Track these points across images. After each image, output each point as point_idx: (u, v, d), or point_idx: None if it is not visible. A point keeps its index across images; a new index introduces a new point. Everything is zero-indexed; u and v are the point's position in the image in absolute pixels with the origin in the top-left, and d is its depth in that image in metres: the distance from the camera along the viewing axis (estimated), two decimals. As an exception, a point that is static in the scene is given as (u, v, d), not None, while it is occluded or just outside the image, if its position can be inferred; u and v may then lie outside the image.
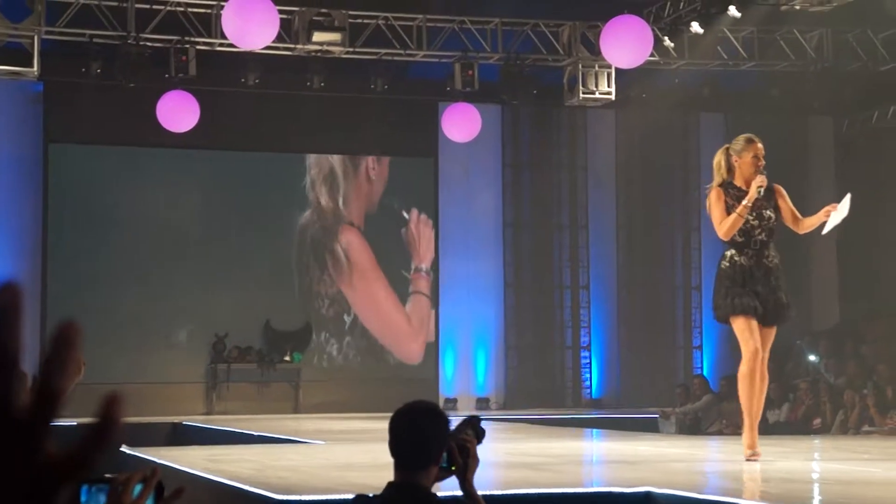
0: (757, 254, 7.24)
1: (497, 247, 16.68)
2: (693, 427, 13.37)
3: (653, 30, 12.75)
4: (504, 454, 9.19)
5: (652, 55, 13.17)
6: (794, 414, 13.20)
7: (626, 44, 12.33)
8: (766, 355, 7.32)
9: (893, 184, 15.26)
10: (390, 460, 3.82)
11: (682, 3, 13.13)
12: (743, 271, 7.21)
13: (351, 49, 13.52)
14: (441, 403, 15.99)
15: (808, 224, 7.52)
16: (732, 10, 12.31)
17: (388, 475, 3.62)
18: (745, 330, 7.20)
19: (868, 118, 16.56)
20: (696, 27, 12.99)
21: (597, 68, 13.98)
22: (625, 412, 14.74)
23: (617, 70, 13.89)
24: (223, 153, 15.80)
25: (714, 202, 7.24)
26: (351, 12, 13.31)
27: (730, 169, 7.24)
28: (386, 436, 3.50)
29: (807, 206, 17.88)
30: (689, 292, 17.07)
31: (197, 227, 15.63)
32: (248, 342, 15.58)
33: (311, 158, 16.14)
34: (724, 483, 6.98)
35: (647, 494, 5.81)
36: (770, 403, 13.69)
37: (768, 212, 7.25)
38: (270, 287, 15.81)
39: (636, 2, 12.54)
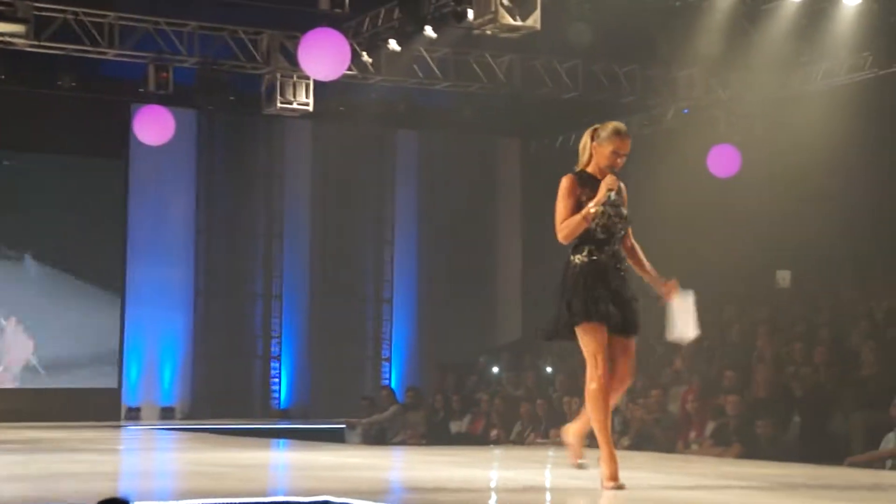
0: (614, 253, 6.29)
1: (189, 253, 16.44)
2: (379, 437, 13.57)
3: (351, 44, 12.88)
4: (186, 464, 9.03)
5: (350, 69, 13.29)
6: (476, 426, 13.63)
7: (323, 56, 12.38)
8: (633, 367, 6.32)
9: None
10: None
11: (380, 20, 13.32)
12: (602, 270, 6.23)
13: (36, 42, 12.93)
14: (123, 413, 15.59)
15: (633, 261, 6.44)
16: (428, 31, 12.60)
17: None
18: (596, 341, 6.17)
19: (553, 142, 17.38)
20: (393, 45, 13.22)
21: (295, 79, 13.97)
22: (313, 422, 14.82)
23: (316, 82, 13.94)
24: None
25: (562, 195, 6.30)
26: (36, 4, 12.73)
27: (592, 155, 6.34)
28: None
29: (495, 223, 18.60)
30: (380, 304, 17.36)
31: None
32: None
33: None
34: (403, 492, 7.09)
35: (325, 503, 5.84)
36: (453, 415, 14.14)
37: (625, 209, 6.33)
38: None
39: (336, 15, 12.61)
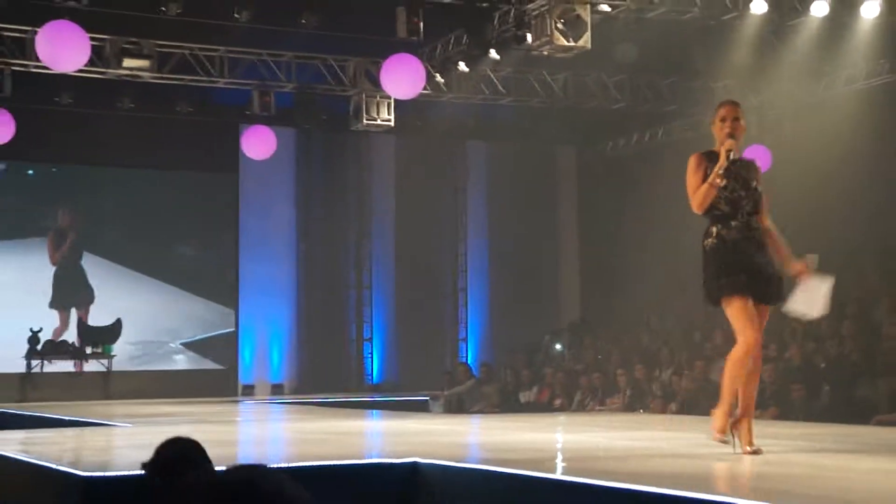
0: (744, 226, 5.75)
1: (291, 253, 16.64)
2: (458, 407, 13.58)
3: (426, 67, 12.93)
4: (294, 432, 9.16)
5: (426, 89, 13.33)
6: (542, 395, 13.62)
7: (402, 78, 12.44)
8: (761, 336, 5.77)
9: (626, 203, 15.97)
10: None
11: (451, 45, 13.36)
12: (732, 246, 5.72)
13: (158, 74, 13.19)
14: (240, 390, 15.82)
15: (770, 239, 5.90)
16: (493, 53, 12.62)
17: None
18: (740, 314, 5.65)
19: (604, 148, 17.30)
20: (462, 66, 13.24)
21: (378, 98, 14.05)
22: (400, 395, 14.87)
23: (396, 101, 14.01)
24: (36, 165, 15.37)
25: (690, 172, 5.85)
26: (158, 42, 12.99)
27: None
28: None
29: (555, 219, 18.53)
30: (456, 293, 17.43)
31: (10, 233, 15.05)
32: (62, 336, 15.11)
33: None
34: (481, 454, 7.12)
35: (414, 464, 5.86)
36: (522, 386, 14.14)
37: (755, 182, 5.84)
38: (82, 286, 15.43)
39: (412, 42, 12.68)
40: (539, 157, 17.62)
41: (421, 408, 13.43)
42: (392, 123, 14.21)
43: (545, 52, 11.40)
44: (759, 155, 13.65)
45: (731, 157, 5.76)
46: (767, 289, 5.76)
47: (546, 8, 11.09)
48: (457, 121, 16.19)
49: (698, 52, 13.69)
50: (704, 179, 5.80)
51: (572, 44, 11.09)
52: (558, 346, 15.38)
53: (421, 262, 17.06)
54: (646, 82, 14.82)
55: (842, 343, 10.77)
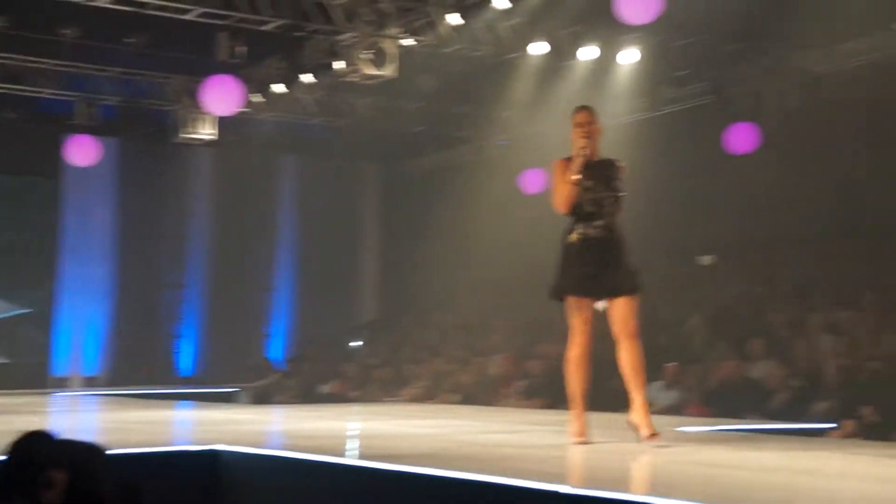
0: (606, 226, 5.38)
1: (110, 254, 15.96)
2: (263, 398, 13.30)
3: (245, 87, 12.61)
4: (103, 422, 8.70)
5: (245, 107, 13.02)
6: (341, 387, 13.50)
7: (220, 98, 12.08)
8: (633, 326, 5.38)
9: (422, 214, 16.09)
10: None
11: (270, 67, 13.13)
12: (593, 245, 5.34)
13: (-18, 83, 12.35)
14: (53, 383, 14.99)
15: None
16: (307, 77, 12.48)
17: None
18: (574, 312, 5.36)
19: (403, 166, 17.40)
20: (279, 87, 13.02)
21: (198, 114, 13.65)
22: (209, 387, 14.44)
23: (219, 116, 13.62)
24: None
25: (556, 175, 5.45)
26: (-17, 52, 12.18)
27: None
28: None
29: (359, 228, 18.44)
30: (265, 293, 17.13)
31: None
32: None
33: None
34: (279, 440, 6.96)
35: (214, 452, 5.65)
36: (322, 379, 13.97)
37: (618, 182, 5.46)
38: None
39: (232, 63, 12.35)
40: (346, 172, 17.54)
41: (229, 399, 13.07)
42: (215, 137, 13.84)
43: (355, 79, 11.36)
44: (533, 177, 14.01)
45: (594, 158, 5.44)
46: (627, 281, 5.39)
47: (355, 39, 11.05)
48: (272, 137, 15.92)
49: (487, 85, 13.95)
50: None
51: (378, 72, 11.09)
52: (356, 343, 15.31)
53: (234, 264, 16.66)
54: (441, 109, 14.98)
55: (604, 340, 11.14)
